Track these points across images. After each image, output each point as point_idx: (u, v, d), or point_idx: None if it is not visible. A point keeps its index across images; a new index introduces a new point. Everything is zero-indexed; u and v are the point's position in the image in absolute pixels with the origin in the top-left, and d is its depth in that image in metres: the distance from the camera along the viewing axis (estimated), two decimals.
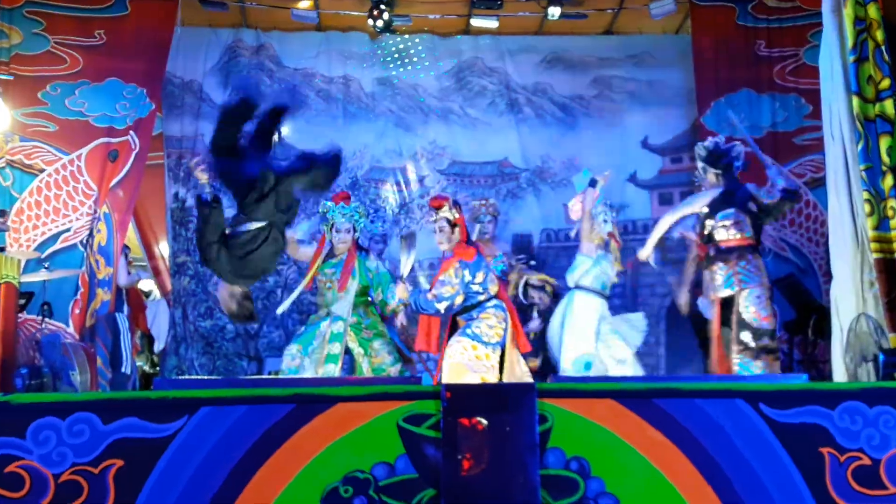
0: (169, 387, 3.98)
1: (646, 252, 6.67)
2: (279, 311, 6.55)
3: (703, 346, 6.84)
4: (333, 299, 6.07)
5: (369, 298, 6.22)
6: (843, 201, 5.64)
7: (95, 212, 7.56)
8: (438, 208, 5.64)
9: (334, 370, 5.94)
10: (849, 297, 5.60)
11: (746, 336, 5.91)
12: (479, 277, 5.48)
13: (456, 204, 5.69)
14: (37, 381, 6.22)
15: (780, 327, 7.78)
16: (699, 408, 3.51)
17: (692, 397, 3.54)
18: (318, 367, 5.99)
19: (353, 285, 6.07)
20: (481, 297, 5.48)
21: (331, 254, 6.15)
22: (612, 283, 6.79)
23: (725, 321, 6.19)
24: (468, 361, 5.30)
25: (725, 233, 6.19)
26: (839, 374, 5.60)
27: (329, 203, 6.20)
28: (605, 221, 6.76)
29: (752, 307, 6.04)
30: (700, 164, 6.43)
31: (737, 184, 6.39)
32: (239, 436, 3.43)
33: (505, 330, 5.48)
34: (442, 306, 5.39)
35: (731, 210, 6.21)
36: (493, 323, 5.43)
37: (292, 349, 6.03)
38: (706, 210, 6.31)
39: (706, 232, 6.27)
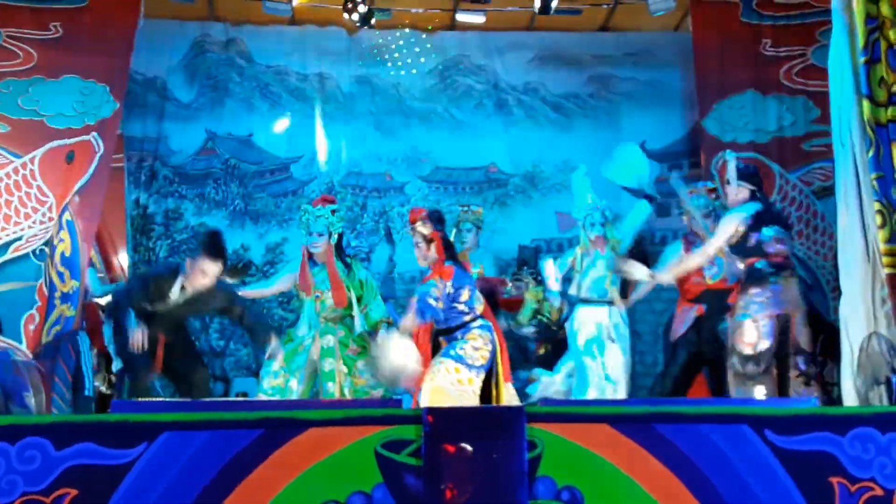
0: (128, 410, 3.96)
1: (667, 277, 6.56)
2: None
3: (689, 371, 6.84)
4: (322, 310, 6.06)
5: (352, 312, 6.20)
6: (853, 212, 5.65)
7: (51, 219, 7.48)
8: (413, 222, 5.64)
9: (333, 388, 5.93)
10: (859, 315, 5.61)
11: (734, 360, 5.87)
12: (464, 295, 5.45)
13: (432, 218, 5.64)
14: None
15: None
16: (702, 434, 3.51)
17: (694, 423, 3.54)
18: (304, 386, 5.98)
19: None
20: (466, 318, 5.46)
21: (313, 261, 6.16)
22: (613, 286, 6.80)
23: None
24: (449, 385, 5.26)
25: (776, 247, 6.03)
26: (849, 398, 5.61)
27: (307, 206, 6.21)
28: (592, 225, 6.80)
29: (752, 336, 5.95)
30: (733, 178, 6.12)
31: (767, 200, 6.38)
32: (203, 463, 3.41)
33: (492, 353, 5.45)
34: (438, 305, 5.37)
35: (777, 226, 6.11)
36: (478, 345, 5.41)
37: (274, 366, 6.02)
38: (744, 227, 6.04)
39: (750, 245, 6.00)
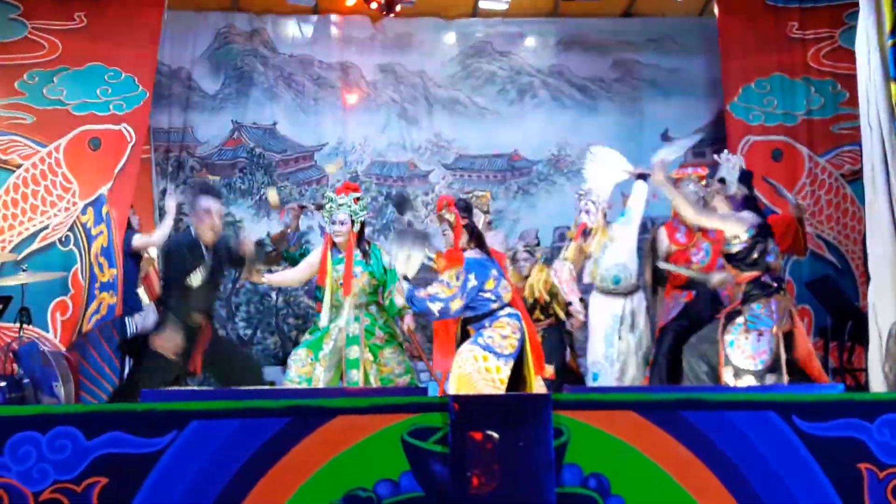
0: (157, 399, 3.99)
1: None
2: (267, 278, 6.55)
3: None
4: (341, 300, 6.10)
5: (379, 298, 6.23)
6: (882, 196, 5.61)
7: (74, 204, 7.54)
8: (439, 210, 5.64)
9: (358, 376, 5.94)
10: (888, 301, 5.57)
11: (728, 374, 5.79)
12: (490, 284, 5.42)
13: (458, 205, 5.62)
14: (17, 394, 6.20)
15: (815, 332, 7.77)
16: (728, 421, 3.50)
17: (720, 409, 3.53)
18: (331, 374, 6.01)
19: (359, 285, 6.07)
20: (494, 306, 5.44)
21: (336, 250, 6.18)
22: (628, 273, 6.64)
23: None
24: (476, 373, 5.24)
25: (776, 260, 5.87)
26: (877, 384, 5.58)
27: (330, 194, 6.23)
28: (588, 212, 6.66)
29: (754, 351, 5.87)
30: (729, 178, 5.86)
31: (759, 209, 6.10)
32: (232, 451, 3.44)
33: (520, 341, 5.41)
34: (435, 307, 5.28)
35: (771, 239, 5.96)
36: (506, 333, 5.35)
37: (300, 354, 6.02)
38: (748, 237, 5.78)
39: (755, 258, 5.74)
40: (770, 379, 5.51)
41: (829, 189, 8.22)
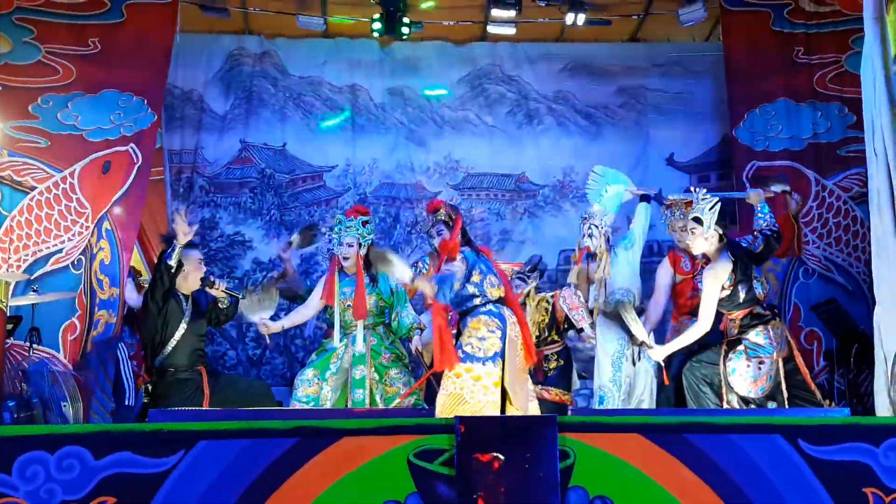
0: (165, 419, 3.99)
1: (658, 355, 6.23)
2: (274, 326, 6.46)
3: None
4: (351, 322, 6.11)
5: (386, 320, 6.25)
6: (887, 221, 5.60)
7: (88, 228, 7.57)
8: (434, 211, 5.67)
9: (363, 395, 5.95)
10: (894, 325, 5.55)
11: (733, 400, 5.77)
12: (475, 277, 5.33)
13: (452, 206, 5.74)
14: (26, 414, 6.21)
15: (822, 357, 7.74)
16: (734, 444, 3.49)
17: (727, 433, 3.52)
18: (338, 393, 6.01)
19: (369, 305, 6.10)
20: (476, 301, 5.33)
21: (344, 272, 6.20)
22: (631, 296, 6.57)
23: None
24: (460, 390, 5.10)
25: (763, 290, 5.87)
26: (883, 409, 5.55)
27: (339, 216, 6.29)
28: (591, 236, 6.62)
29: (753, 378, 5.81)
30: (704, 218, 5.74)
31: (731, 240, 6.05)
32: (239, 472, 3.44)
33: (502, 339, 5.25)
34: (445, 289, 5.23)
35: (756, 266, 5.87)
36: (482, 334, 5.21)
37: (307, 374, 6.05)
38: (729, 284, 5.78)
39: (742, 298, 5.76)
40: (771, 406, 5.52)
41: (838, 212, 8.20)
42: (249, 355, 9.33)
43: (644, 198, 6.62)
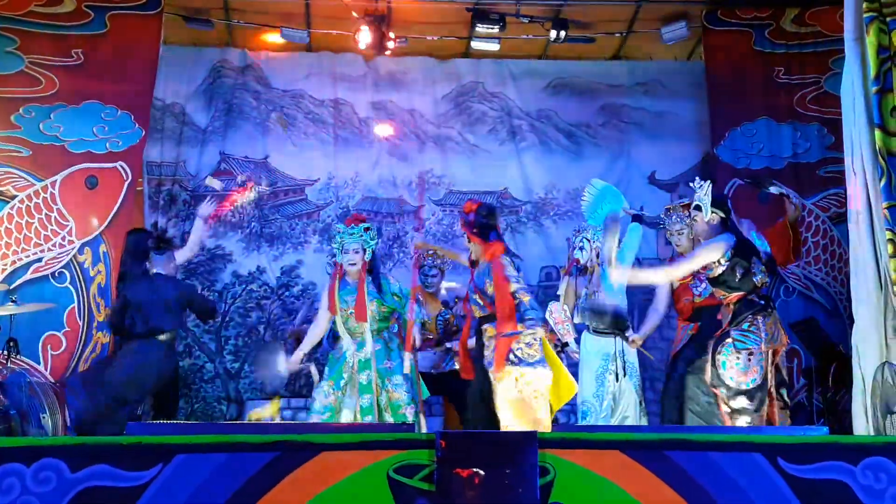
0: (142, 432, 3.96)
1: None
2: (296, 358, 6.47)
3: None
4: (356, 328, 6.14)
5: (393, 323, 6.32)
6: (865, 241, 5.64)
7: (70, 242, 7.52)
8: (468, 213, 5.75)
9: (370, 401, 5.99)
10: (872, 345, 5.58)
11: (722, 393, 5.78)
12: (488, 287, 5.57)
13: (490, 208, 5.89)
14: (4, 426, 6.16)
15: (801, 375, 7.77)
16: (714, 462, 3.48)
17: (707, 450, 3.51)
18: (353, 400, 6.04)
19: (371, 310, 6.12)
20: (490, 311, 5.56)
21: (346, 280, 6.23)
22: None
23: None
24: (523, 393, 5.37)
25: (763, 278, 5.88)
26: (861, 427, 5.57)
27: (340, 225, 6.37)
28: (582, 249, 6.67)
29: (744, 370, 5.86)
30: (703, 203, 5.86)
31: (738, 229, 6.10)
32: (217, 486, 3.40)
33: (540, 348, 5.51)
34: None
35: (756, 258, 5.97)
36: (529, 341, 5.45)
37: (323, 387, 6.10)
38: (725, 260, 5.81)
39: (738, 278, 5.77)
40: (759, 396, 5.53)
41: (817, 231, 8.26)
42: (227, 368, 9.27)
43: (636, 218, 6.66)
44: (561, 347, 6.72)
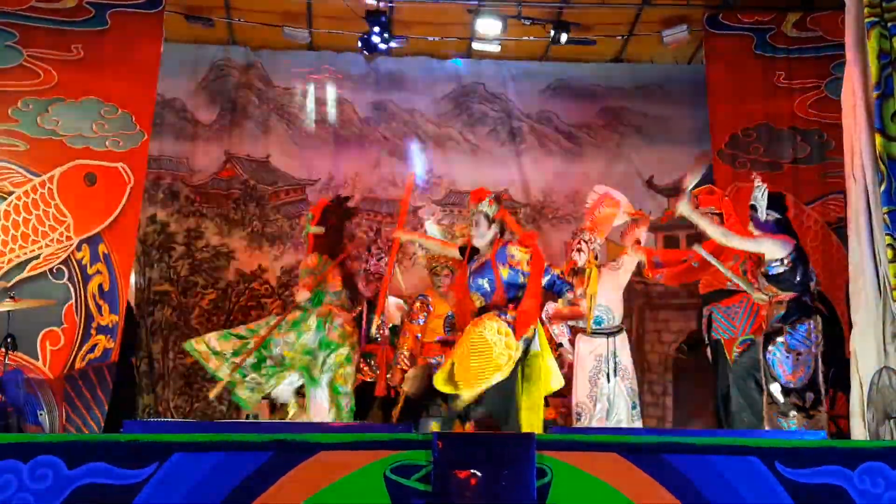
0: (139, 430, 3.96)
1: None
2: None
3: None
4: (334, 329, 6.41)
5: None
6: (865, 246, 5.65)
7: (68, 238, 7.50)
8: (478, 202, 5.69)
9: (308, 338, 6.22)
10: (870, 350, 5.58)
11: (775, 390, 5.78)
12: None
13: (497, 199, 5.78)
14: (1, 423, 6.15)
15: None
16: (711, 465, 3.48)
17: (705, 454, 3.52)
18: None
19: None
20: (520, 293, 5.48)
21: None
22: (611, 315, 6.59)
23: None
24: (497, 344, 5.16)
25: (816, 283, 5.90)
26: (858, 432, 5.57)
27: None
28: (579, 251, 6.62)
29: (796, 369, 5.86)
30: (759, 205, 5.83)
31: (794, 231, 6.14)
32: (213, 485, 3.40)
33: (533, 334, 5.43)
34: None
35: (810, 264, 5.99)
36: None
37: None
38: (790, 261, 5.79)
39: (797, 279, 5.78)
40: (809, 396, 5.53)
41: (816, 236, 8.24)
42: None
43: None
44: (556, 348, 6.75)
